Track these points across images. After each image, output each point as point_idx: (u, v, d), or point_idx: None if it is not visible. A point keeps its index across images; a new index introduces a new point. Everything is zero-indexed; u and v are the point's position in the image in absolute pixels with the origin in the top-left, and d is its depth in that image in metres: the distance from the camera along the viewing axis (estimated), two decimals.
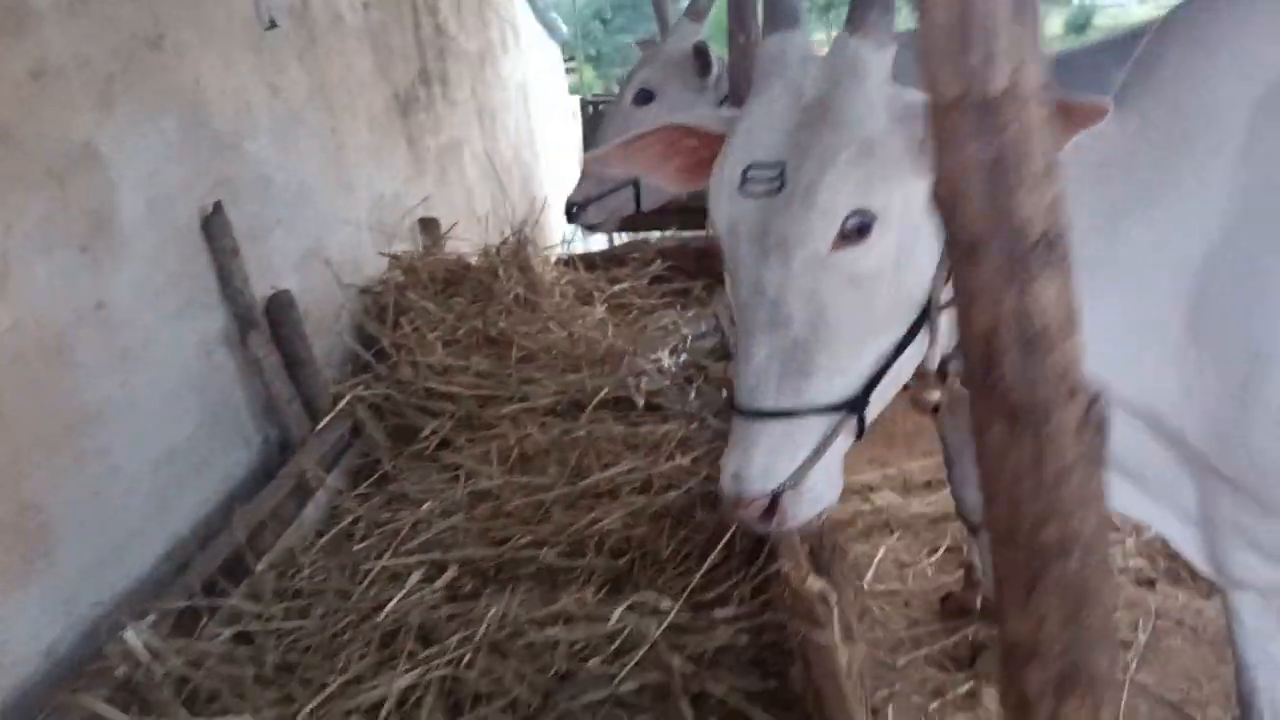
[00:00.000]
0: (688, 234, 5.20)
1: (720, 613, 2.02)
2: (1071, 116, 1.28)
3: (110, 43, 2.37)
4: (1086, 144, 1.54)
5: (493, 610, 2.02)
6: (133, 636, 1.83)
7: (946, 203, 0.68)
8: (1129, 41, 1.82)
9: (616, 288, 4.45)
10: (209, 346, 2.65)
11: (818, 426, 1.47)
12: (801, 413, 1.47)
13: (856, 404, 1.49)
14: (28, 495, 1.91)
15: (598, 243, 6.28)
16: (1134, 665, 3.53)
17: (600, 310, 4.14)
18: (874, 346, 1.50)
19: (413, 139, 4.86)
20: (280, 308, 2.95)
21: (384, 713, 1.80)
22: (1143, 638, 3.68)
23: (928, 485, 5.03)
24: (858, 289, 1.45)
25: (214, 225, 2.69)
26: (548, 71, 10.29)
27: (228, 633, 2.03)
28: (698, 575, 2.19)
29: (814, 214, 1.41)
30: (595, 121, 7.19)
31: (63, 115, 2.16)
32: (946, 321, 1.55)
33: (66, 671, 1.91)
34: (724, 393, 3.34)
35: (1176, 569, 4.14)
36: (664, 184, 1.87)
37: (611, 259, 4.87)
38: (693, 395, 3.39)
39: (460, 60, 6.11)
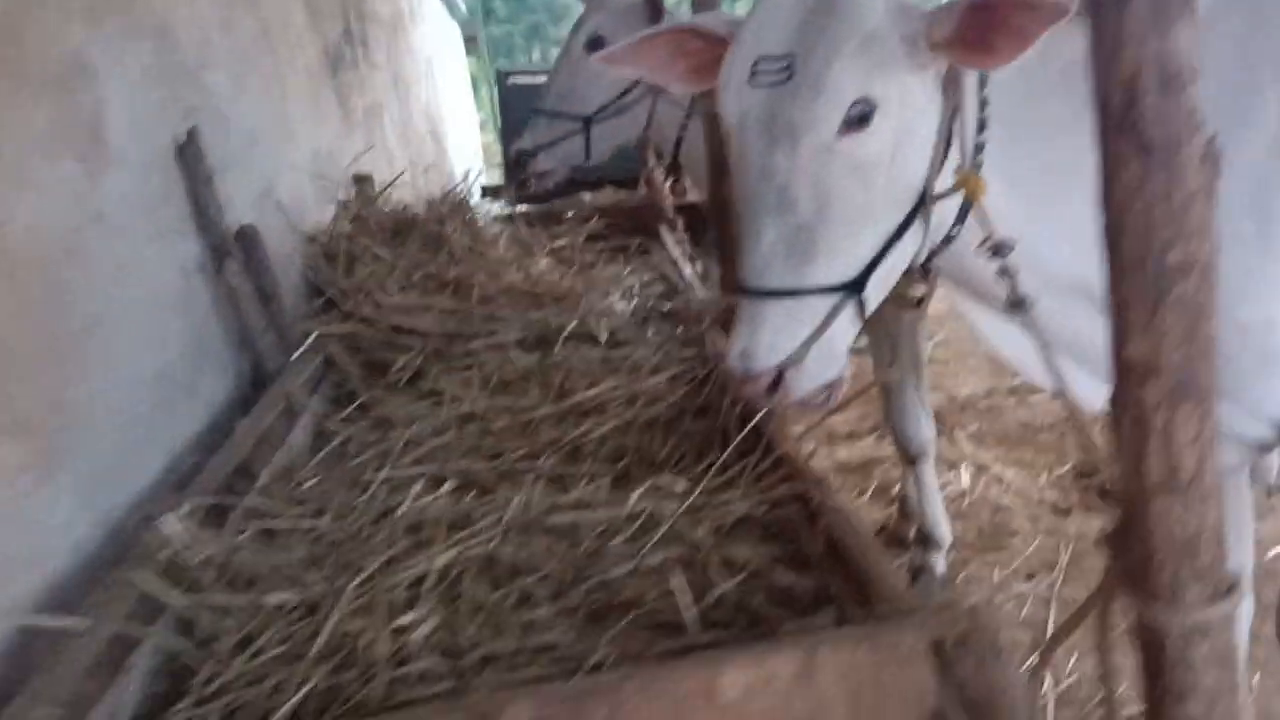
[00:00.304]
0: (622, 194, 5.31)
1: (730, 493, 2.14)
2: (1041, 11, 1.43)
3: None
4: (1051, 48, 1.71)
5: (516, 499, 2.10)
6: (170, 523, 1.84)
7: None
8: None
9: (557, 243, 4.53)
10: (187, 272, 2.64)
11: (820, 306, 1.61)
12: (805, 292, 1.60)
13: (856, 285, 1.63)
14: (50, 393, 1.90)
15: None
16: (1059, 582, 3.82)
17: (543, 263, 4.22)
18: (872, 231, 1.64)
19: (342, 97, 4.84)
20: (248, 241, 2.95)
21: (426, 586, 1.87)
22: (1065, 558, 3.99)
23: (849, 436, 5.28)
24: (858, 174, 1.59)
25: (188, 153, 2.68)
26: (450, 49, 10.25)
27: (252, 527, 2.05)
28: (703, 465, 2.32)
29: (821, 100, 1.55)
30: (512, 93, 7.24)
31: (60, 24, 2.14)
32: (936, 215, 1.71)
33: (95, 566, 1.92)
34: (679, 330, 3.47)
35: (1089, 499, 4.48)
36: (671, 84, 1.98)
37: (549, 217, 4.95)
38: (650, 333, 3.52)
39: (376, 24, 6.08)
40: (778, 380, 1.63)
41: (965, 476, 4.65)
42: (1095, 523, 4.22)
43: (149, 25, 2.61)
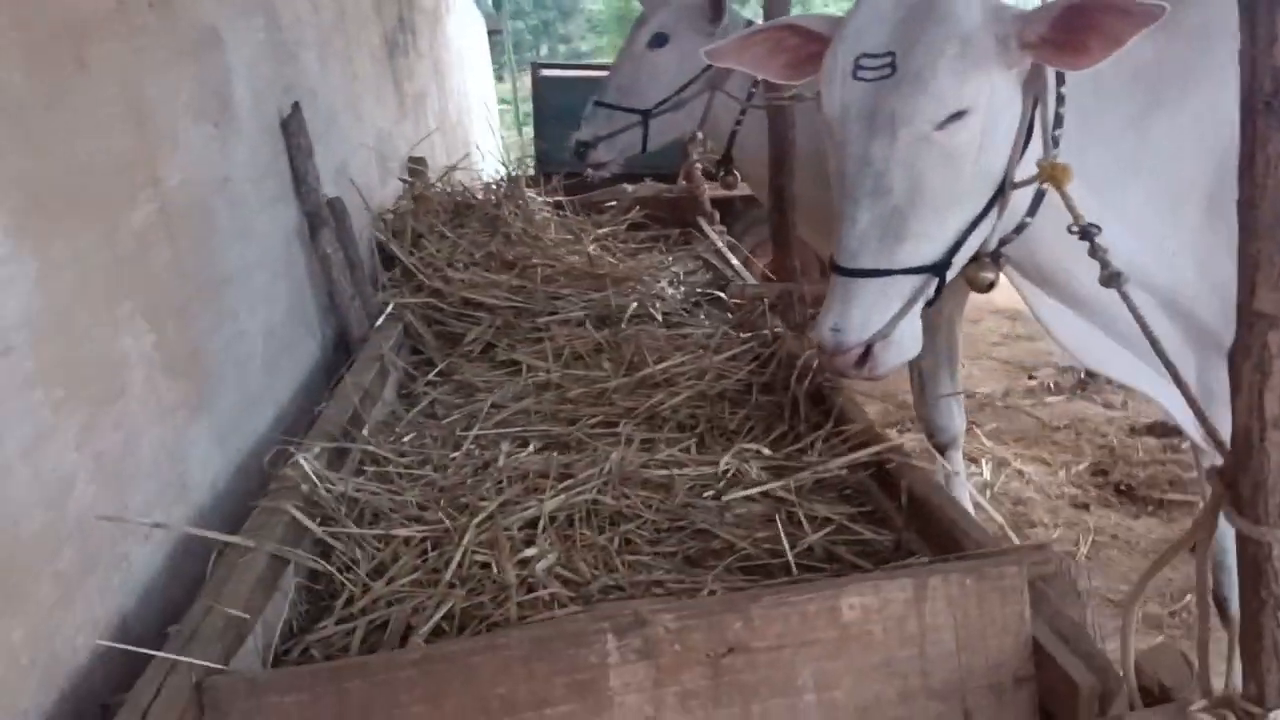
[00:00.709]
0: (661, 186, 5.46)
1: (810, 457, 2.30)
2: (1132, 16, 1.57)
3: None
4: (1123, 52, 1.86)
5: (614, 453, 2.25)
6: (306, 462, 2.00)
7: None
8: None
9: (602, 230, 4.68)
10: (288, 238, 2.80)
11: (907, 286, 1.75)
12: (895, 272, 1.74)
13: (940, 267, 1.78)
14: (194, 339, 2.06)
15: None
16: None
17: (591, 247, 4.37)
18: (958, 216, 1.78)
19: (397, 82, 4.99)
20: (337, 212, 3.10)
21: (541, 526, 2.02)
22: (1084, 550, 4.15)
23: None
24: (949, 163, 1.73)
25: (292, 124, 2.83)
26: (478, 39, 10.41)
27: (371, 470, 2.21)
28: (774, 434, 2.47)
29: (924, 96, 1.69)
30: (545, 85, 7.38)
31: None
32: (1012, 203, 1.85)
33: (226, 500, 2.07)
34: (729, 315, 3.63)
35: (1106, 495, 4.65)
36: (770, 77, 2.13)
37: (591, 206, 5.10)
38: (701, 316, 3.68)
39: (421, 13, 6.23)
40: (865, 354, 1.78)
41: (987, 469, 4.81)
42: (1113, 517, 4.39)
43: (260, 1, 2.76)
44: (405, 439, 2.54)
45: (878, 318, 1.73)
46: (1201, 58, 1.98)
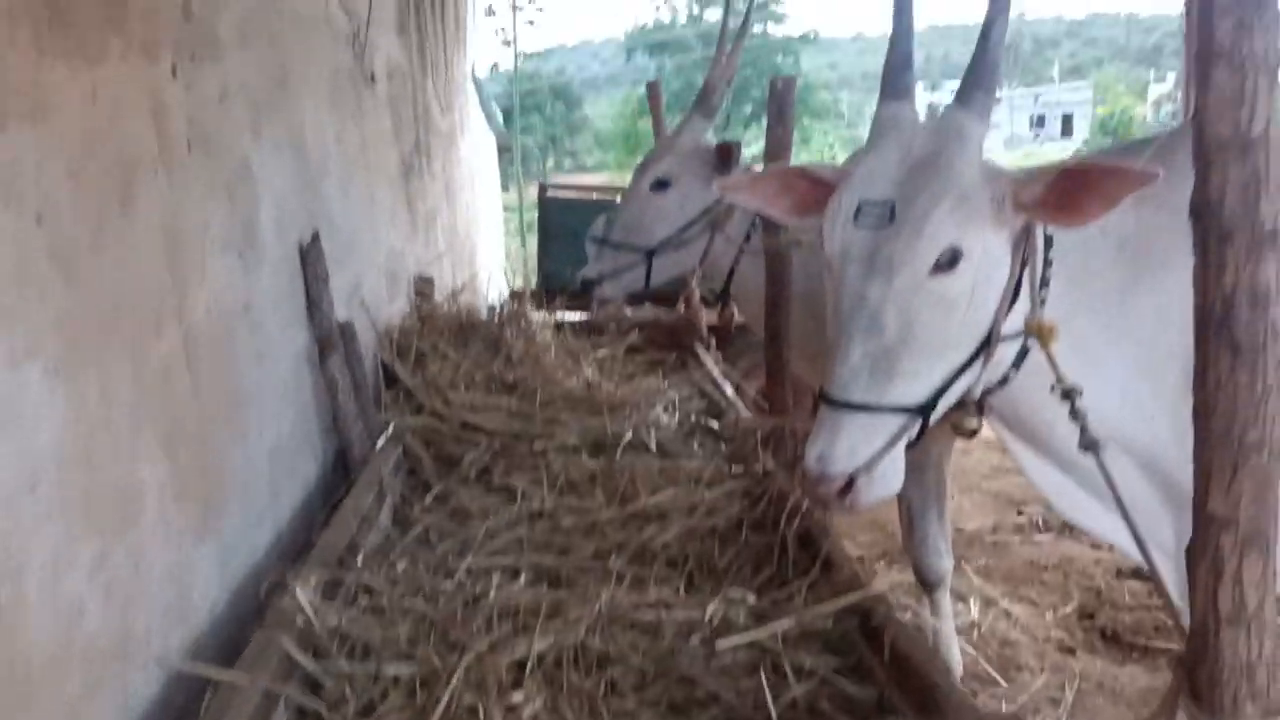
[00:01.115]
0: (660, 310, 5.60)
1: (796, 603, 2.35)
2: (1128, 179, 1.69)
3: (259, 77, 2.66)
4: (1111, 224, 1.99)
5: (605, 594, 2.30)
6: (302, 594, 2.04)
7: (1209, 206, 1.09)
8: (1143, 146, 2.32)
9: (600, 352, 4.79)
10: (299, 361, 2.89)
11: (893, 423, 1.82)
12: (882, 409, 1.82)
13: (925, 409, 1.86)
14: (208, 461, 2.13)
15: None
16: None
17: (589, 371, 4.47)
18: (946, 361, 1.87)
19: (410, 202, 5.17)
20: (347, 335, 3.20)
21: (529, 669, 2.06)
22: (1069, 697, 4.14)
23: (858, 561, 5.46)
24: (941, 310, 1.83)
25: (311, 252, 2.95)
26: (488, 157, 10.73)
27: (364, 602, 2.25)
28: (762, 576, 2.52)
29: (920, 243, 1.79)
30: (551, 205, 7.61)
31: (234, 134, 2.44)
32: (996, 355, 1.95)
33: (226, 625, 2.11)
34: (722, 446, 3.71)
35: (1092, 639, 4.65)
36: (777, 215, 2.25)
37: (590, 328, 5.23)
38: (696, 445, 3.75)
39: (437, 136, 6.47)
40: (848, 486, 1.85)
41: (974, 608, 4.81)
42: (1099, 664, 4.38)
43: (291, 136, 2.91)
44: (399, 566, 2.59)
45: (863, 451, 1.79)
46: (1181, 234, 2.10)
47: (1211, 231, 1.10)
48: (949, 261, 1.79)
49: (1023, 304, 1.92)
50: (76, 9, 1.68)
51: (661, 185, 3.87)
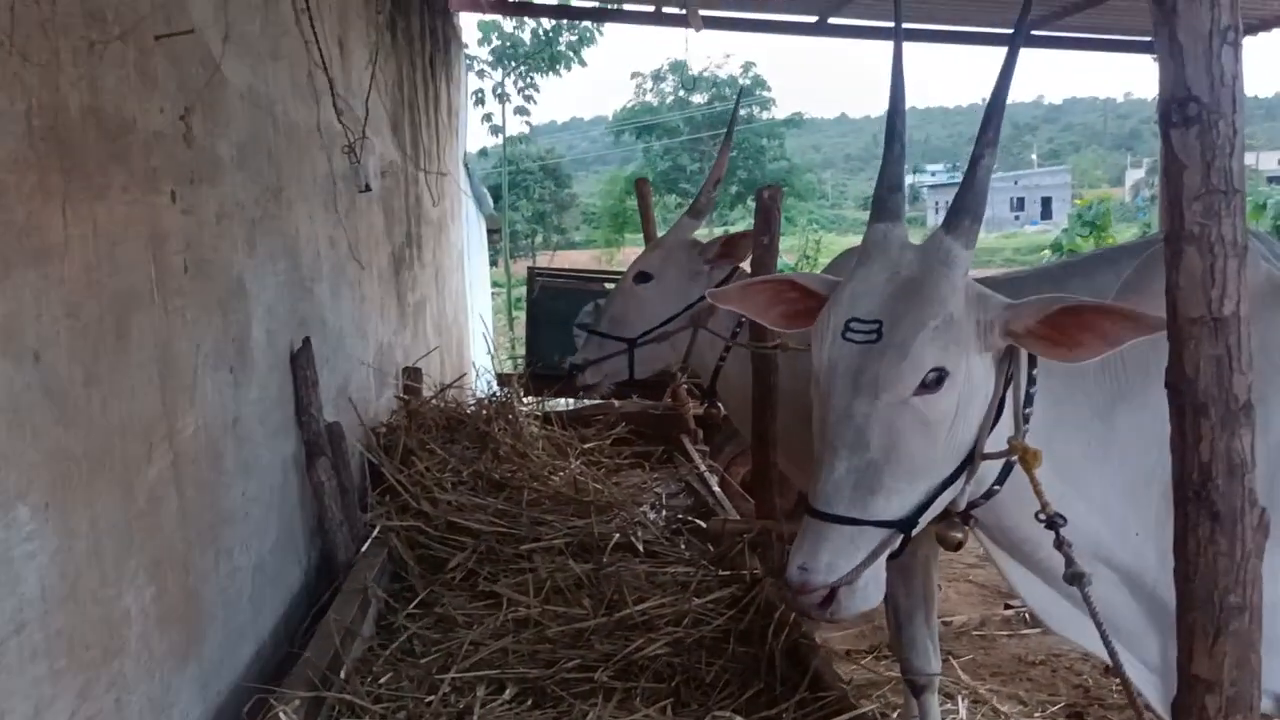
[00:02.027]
0: (647, 402, 5.62)
1: None
2: (1139, 324, 1.70)
3: (254, 192, 2.71)
4: None
5: (591, 714, 2.28)
6: (285, 716, 2.02)
7: (1185, 381, 1.13)
8: (1121, 257, 2.37)
9: (587, 445, 4.80)
10: (286, 469, 2.89)
11: (875, 537, 1.83)
12: (865, 523, 1.84)
13: (907, 523, 1.87)
14: (192, 584, 2.12)
15: None
16: None
17: (575, 464, 4.48)
18: (928, 478, 1.88)
19: (400, 294, 5.21)
20: (335, 438, 3.21)
21: None
22: None
23: (847, 654, 5.42)
24: (925, 429, 1.85)
25: (301, 358, 2.97)
26: (478, 241, 10.84)
27: None
28: (750, 692, 2.50)
29: (905, 363, 1.82)
30: (541, 291, 7.67)
31: (229, 253, 2.47)
32: (980, 472, 1.97)
33: None
34: (710, 547, 3.70)
35: None
36: (767, 323, 2.28)
37: (578, 419, 5.24)
38: (683, 545, 3.75)
39: (428, 226, 6.55)
40: (830, 597, 1.85)
41: (963, 708, 4.76)
42: None
43: (284, 246, 2.96)
44: (382, 680, 2.56)
45: (844, 563, 1.79)
46: (1162, 357, 2.14)
47: (1187, 405, 1.14)
48: (934, 382, 1.81)
49: (1006, 422, 1.95)
50: (80, 148, 1.73)
51: (644, 278, 3.95)
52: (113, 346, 1.81)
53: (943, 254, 1.89)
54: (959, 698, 4.85)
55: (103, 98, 1.83)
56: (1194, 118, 1.12)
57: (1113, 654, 1.79)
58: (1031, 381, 1.96)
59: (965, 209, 1.90)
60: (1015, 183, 62.77)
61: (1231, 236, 1.11)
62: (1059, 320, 1.80)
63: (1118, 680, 5.00)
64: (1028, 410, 1.95)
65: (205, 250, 2.30)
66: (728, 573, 3.27)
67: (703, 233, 4.45)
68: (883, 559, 1.86)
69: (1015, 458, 1.91)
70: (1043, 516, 1.88)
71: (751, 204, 3.59)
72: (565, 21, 17.74)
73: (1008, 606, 5.89)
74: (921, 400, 1.82)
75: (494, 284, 15.18)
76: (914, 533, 1.90)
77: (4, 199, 1.50)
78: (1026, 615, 5.75)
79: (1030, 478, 1.88)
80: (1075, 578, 1.84)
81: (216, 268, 2.37)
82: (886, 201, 2.02)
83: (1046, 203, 58.56)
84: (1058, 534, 1.87)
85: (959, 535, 2.09)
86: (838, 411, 1.86)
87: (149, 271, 1.98)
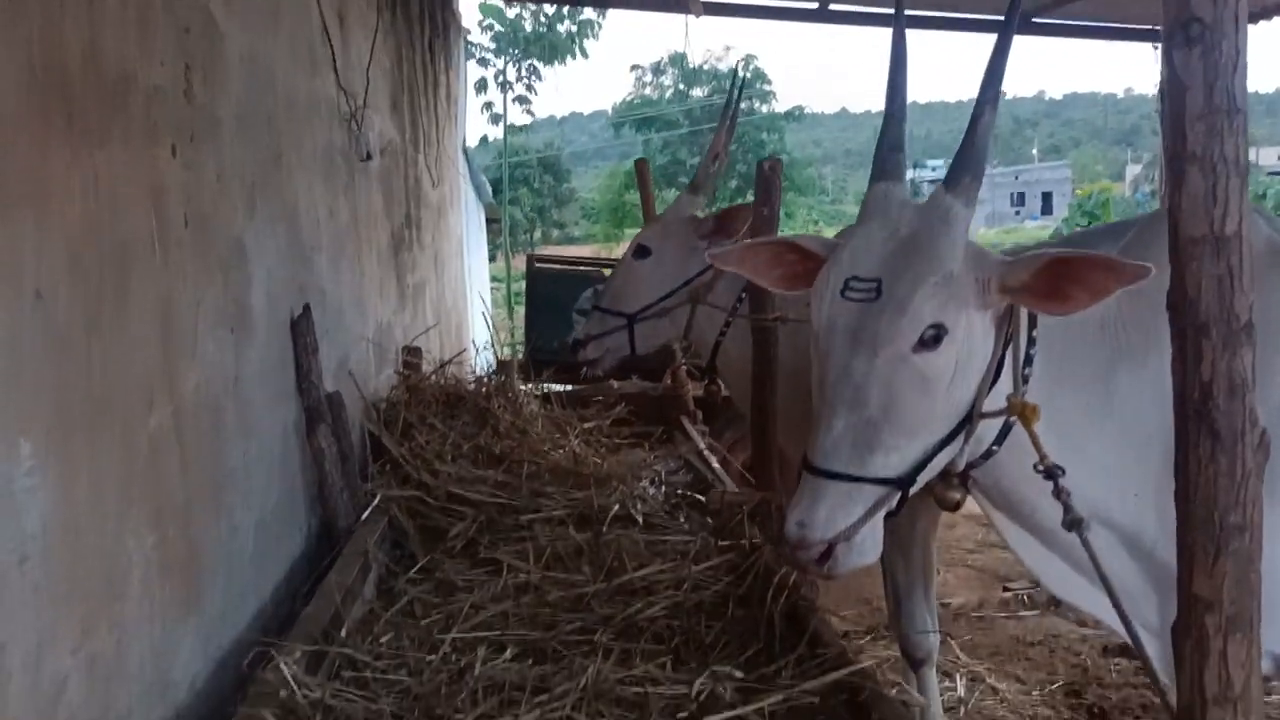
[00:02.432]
0: (646, 384, 5.63)
1: (782, 679, 2.34)
2: (1123, 273, 1.73)
3: (254, 155, 2.71)
4: (1091, 310, 2.03)
5: (591, 668, 2.28)
6: (285, 667, 2.02)
7: (1186, 301, 1.13)
8: (1122, 229, 2.38)
9: (587, 424, 4.80)
10: (287, 433, 2.89)
11: (872, 494, 1.85)
12: (863, 480, 1.85)
13: (905, 481, 1.89)
14: (193, 536, 2.12)
15: None
16: None
17: (575, 442, 4.48)
18: (926, 436, 1.89)
19: (399, 275, 5.21)
20: (335, 406, 3.21)
21: None
22: None
23: (844, 637, 5.43)
24: (923, 385, 1.86)
25: (301, 324, 2.98)
26: (477, 229, 10.85)
27: (348, 675, 2.23)
28: (749, 651, 2.51)
29: (904, 320, 1.83)
30: (539, 276, 7.68)
31: (229, 213, 2.48)
32: (979, 431, 1.97)
33: (208, 700, 2.08)
34: (709, 520, 3.71)
35: (1078, 717, 4.62)
36: (767, 285, 2.29)
37: (577, 400, 5.24)
38: (682, 519, 3.75)
39: (427, 210, 6.55)
40: (827, 553, 1.86)
41: (961, 685, 4.77)
42: None
43: (283, 212, 2.96)
44: (383, 639, 2.56)
45: (842, 519, 1.82)
46: (1161, 317, 2.15)
47: (1188, 325, 1.14)
48: (933, 339, 1.82)
49: (1005, 382, 1.95)
50: (81, 96, 1.73)
51: (643, 253, 3.94)
52: (114, 295, 1.81)
53: (942, 211, 1.89)
54: (957, 676, 4.87)
55: (104, 48, 1.84)
56: (1197, 38, 1.13)
57: (1114, 598, 1.79)
58: (1031, 342, 1.97)
59: (965, 166, 1.91)
60: (1016, 178, 62.82)
61: (1234, 156, 1.11)
62: (1051, 272, 1.81)
63: (1116, 660, 5.03)
64: (1027, 371, 1.96)
65: (205, 207, 2.30)
66: (727, 542, 3.27)
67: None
68: (880, 516, 1.88)
69: (1014, 417, 1.92)
70: (1041, 467, 1.89)
71: (751, 198, 3.59)
72: (565, 9, 17.73)
73: (1006, 589, 5.91)
74: (920, 357, 1.83)
75: (493, 279, 15.19)
76: (912, 491, 1.91)
77: (6, 138, 1.50)
78: (1025, 597, 5.78)
79: (1029, 432, 1.88)
80: (1074, 523, 1.85)
81: (217, 226, 2.38)
82: (887, 160, 2.03)
83: (1047, 198, 58.59)
84: (1056, 483, 1.88)
85: (957, 496, 2.11)
86: (837, 369, 1.87)
87: (150, 224, 1.98)
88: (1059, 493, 1.87)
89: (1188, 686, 1.24)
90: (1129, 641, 2.02)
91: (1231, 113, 1.12)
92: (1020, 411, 1.89)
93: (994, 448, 1.99)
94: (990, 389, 1.93)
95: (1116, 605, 1.77)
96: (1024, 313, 1.95)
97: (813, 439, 1.88)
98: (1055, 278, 1.81)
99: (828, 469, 1.82)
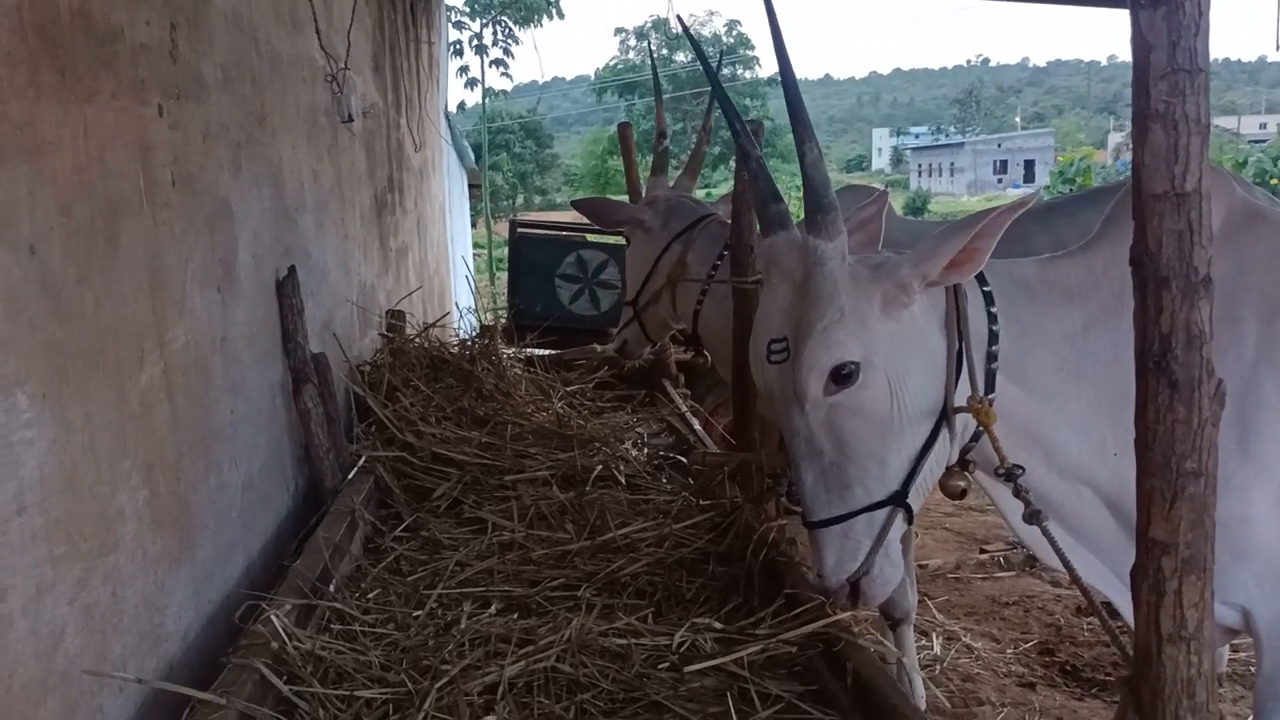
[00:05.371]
0: None
1: (761, 631, 2.40)
2: (1014, 209, 1.86)
3: (239, 116, 2.72)
4: (1054, 277, 2.08)
5: (575, 621, 2.34)
6: (277, 619, 2.07)
7: (1148, 255, 1.18)
8: (1103, 195, 2.42)
9: (570, 388, 4.84)
10: (273, 393, 2.92)
11: (871, 522, 1.92)
12: (852, 514, 1.92)
13: (898, 497, 1.94)
14: (183, 491, 2.16)
15: None
16: None
17: (559, 405, 4.52)
18: (897, 451, 1.94)
19: (382, 238, 5.22)
20: (321, 367, 3.24)
21: (500, 694, 2.10)
22: None
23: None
24: (864, 416, 1.91)
25: (287, 286, 3.00)
26: (459, 193, 10.82)
27: (337, 628, 2.28)
28: (729, 606, 2.58)
29: (804, 372, 1.88)
30: (522, 241, 7.68)
31: (215, 172, 2.49)
32: (961, 422, 2.02)
33: (200, 652, 2.13)
34: (690, 480, 3.76)
35: (1052, 675, 4.73)
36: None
37: (560, 364, 5.28)
38: (664, 480, 3.81)
39: (410, 173, 6.54)
40: (854, 589, 1.94)
41: (937, 644, 4.88)
42: (1058, 698, 4.46)
43: (268, 173, 2.97)
44: (371, 595, 2.62)
45: (849, 559, 1.91)
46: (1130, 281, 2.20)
47: (1150, 278, 1.19)
48: (847, 376, 1.86)
49: (978, 368, 1.99)
50: (71, 50, 1.74)
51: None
52: (104, 249, 1.84)
53: (811, 254, 1.91)
54: (933, 634, 4.97)
55: (92, 3, 1.85)
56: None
57: (1071, 571, 1.87)
58: (993, 319, 2.01)
59: (815, 205, 1.92)
60: (999, 145, 62.83)
61: (1195, 114, 1.15)
62: (976, 244, 1.88)
63: (1088, 619, 5.13)
64: (994, 348, 1.99)
65: (192, 166, 2.32)
66: (708, 501, 3.33)
67: (699, 194, 4.48)
68: (893, 540, 1.94)
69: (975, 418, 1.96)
70: (1001, 471, 1.95)
71: (733, 165, 3.61)
72: None
73: (983, 551, 6.02)
74: (844, 395, 1.88)
75: (476, 245, 15.15)
76: (914, 502, 1.96)
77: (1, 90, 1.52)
78: (1001, 559, 5.90)
79: (989, 434, 1.93)
80: (1033, 516, 1.92)
81: (203, 185, 2.39)
82: (766, 215, 2.06)
83: (1030, 165, 58.65)
84: (1016, 484, 1.94)
85: (962, 484, 2.16)
86: (788, 429, 1.95)
87: (138, 181, 2.00)
88: (1018, 491, 1.93)
89: (1144, 626, 1.30)
90: (1110, 600, 2.11)
91: (1194, 72, 1.16)
92: (977, 413, 1.92)
93: (979, 429, 2.04)
94: (958, 378, 1.96)
95: (1072, 574, 1.85)
96: (973, 298, 1.99)
97: (799, 496, 1.97)
98: (968, 250, 1.88)
99: (818, 520, 1.91)
